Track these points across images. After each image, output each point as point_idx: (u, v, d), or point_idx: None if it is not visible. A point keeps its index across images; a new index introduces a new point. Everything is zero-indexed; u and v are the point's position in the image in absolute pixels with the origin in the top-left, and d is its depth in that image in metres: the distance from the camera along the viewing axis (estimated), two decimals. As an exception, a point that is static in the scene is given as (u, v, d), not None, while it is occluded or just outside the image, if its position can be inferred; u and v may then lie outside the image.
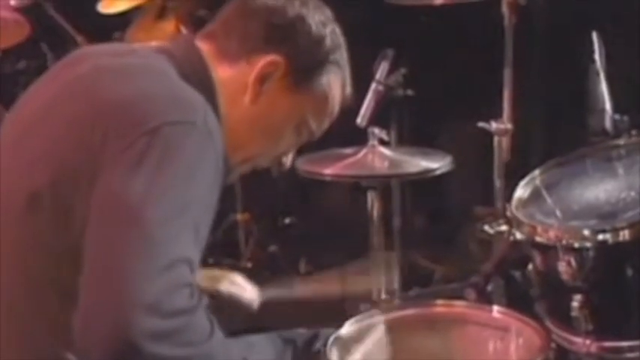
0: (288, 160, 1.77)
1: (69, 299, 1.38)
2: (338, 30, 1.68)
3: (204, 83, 1.56)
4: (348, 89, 1.71)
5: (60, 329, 1.40)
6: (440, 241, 3.71)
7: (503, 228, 2.34)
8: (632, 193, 1.94)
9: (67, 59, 1.65)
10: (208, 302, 1.83)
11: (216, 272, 1.97)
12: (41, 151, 1.46)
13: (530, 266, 1.99)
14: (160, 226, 1.33)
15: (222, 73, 1.61)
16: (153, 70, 1.54)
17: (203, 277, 1.92)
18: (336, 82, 1.67)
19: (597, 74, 2.32)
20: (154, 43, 1.73)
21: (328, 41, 1.65)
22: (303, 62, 1.63)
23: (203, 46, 1.63)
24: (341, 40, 1.69)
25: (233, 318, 2.04)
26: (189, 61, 1.59)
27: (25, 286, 1.45)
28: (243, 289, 1.96)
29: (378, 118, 2.75)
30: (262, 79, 1.61)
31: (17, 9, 3.32)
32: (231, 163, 1.62)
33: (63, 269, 1.40)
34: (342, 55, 1.68)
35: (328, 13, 1.68)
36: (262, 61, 1.60)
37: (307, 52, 1.63)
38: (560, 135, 3.43)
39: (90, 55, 1.63)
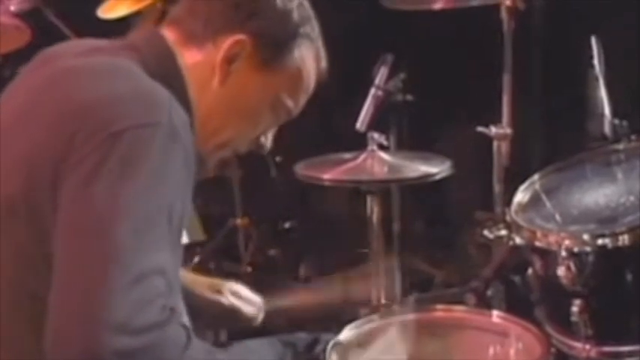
0: (267, 140, 1.72)
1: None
2: (306, 3, 1.64)
3: (171, 74, 1.54)
4: (324, 63, 1.67)
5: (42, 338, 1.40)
6: (439, 245, 3.71)
7: (503, 233, 2.34)
8: (632, 198, 1.95)
9: (33, 62, 1.63)
10: (214, 312, 1.81)
11: (220, 282, 1.95)
12: (15, 156, 1.44)
13: (529, 271, 1.99)
14: (128, 237, 1.29)
15: (189, 59, 1.58)
16: (119, 70, 1.51)
17: (206, 286, 1.92)
18: (309, 56, 1.63)
19: (596, 79, 2.33)
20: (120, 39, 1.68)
21: (295, 15, 1.61)
22: (271, 38, 1.59)
23: (169, 33, 1.60)
24: (310, 12, 1.64)
25: (233, 329, 2.03)
26: (156, 54, 1.56)
27: (6, 293, 1.43)
28: (246, 301, 1.94)
29: (378, 123, 2.75)
30: (229, 59, 1.57)
31: (17, 14, 3.32)
32: (208, 150, 1.60)
33: (42, 279, 1.36)
34: (314, 28, 1.64)
35: None
36: (228, 41, 1.57)
37: (274, 28, 1.59)
38: (559, 140, 3.44)
39: (55, 57, 1.60)
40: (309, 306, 2.10)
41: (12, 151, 1.46)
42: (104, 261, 1.28)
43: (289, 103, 1.65)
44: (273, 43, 1.59)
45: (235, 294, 1.93)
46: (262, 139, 1.71)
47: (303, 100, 1.67)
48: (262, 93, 1.62)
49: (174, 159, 1.39)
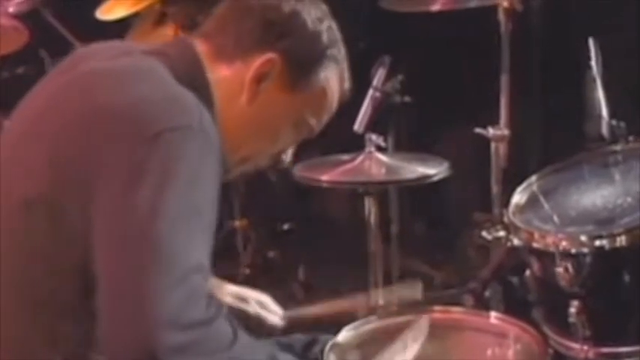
0: (287, 156, 1.75)
1: (67, 311, 1.39)
2: (334, 25, 1.66)
3: (199, 84, 1.55)
4: (347, 85, 1.69)
5: (56, 340, 1.41)
6: (438, 247, 3.72)
7: (501, 234, 2.35)
8: (629, 199, 1.95)
9: (64, 62, 1.64)
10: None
11: (246, 292, 1.97)
12: (38, 157, 1.45)
13: (527, 272, 1.99)
14: (170, 237, 1.33)
15: (218, 73, 1.59)
16: (147, 73, 1.53)
17: (230, 293, 1.94)
18: (334, 78, 1.65)
19: (594, 80, 2.33)
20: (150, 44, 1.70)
21: (325, 37, 1.63)
22: (300, 59, 1.61)
23: (200, 46, 1.61)
24: (338, 35, 1.67)
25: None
26: (185, 62, 1.57)
27: (20, 294, 1.44)
28: (270, 311, 1.97)
29: (376, 124, 2.76)
30: (259, 78, 1.59)
31: (15, 15, 3.32)
32: (229, 163, 1.61)
33: (62, 281, 1.39)
34: (340, 51, 1.66)
35: (324, 8, 1.66)
36: (258, 60, 1.58)
37: (304, 49, 1.61)
38: (557, 141, 3.44)
39: (85, 58, 1.62)
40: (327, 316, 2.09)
41: (33, 152, 1.47)
42: (149, 263, 1.31)
43: (312, 122, 1.67)
44: (301, 64, 1.61)
45: (260, 304, 1.95)
46: (283, 155, 1.74)
47: (325, 119, 1.69)
48: (287, 112, 1.64)
49: (207, 160, 1.42)
